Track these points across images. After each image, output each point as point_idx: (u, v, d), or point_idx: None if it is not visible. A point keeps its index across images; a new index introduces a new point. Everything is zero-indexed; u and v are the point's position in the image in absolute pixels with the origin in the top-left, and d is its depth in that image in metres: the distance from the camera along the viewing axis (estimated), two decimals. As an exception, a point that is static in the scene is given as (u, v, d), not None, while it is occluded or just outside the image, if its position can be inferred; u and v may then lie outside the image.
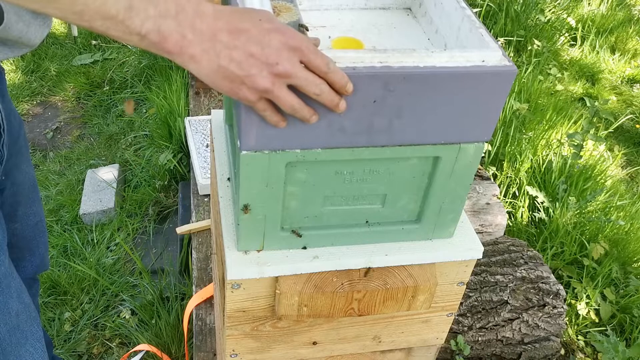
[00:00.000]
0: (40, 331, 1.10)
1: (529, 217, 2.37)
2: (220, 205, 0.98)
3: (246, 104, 0.71)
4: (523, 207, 2.36)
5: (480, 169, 2.25)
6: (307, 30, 0.78)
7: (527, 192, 2.37)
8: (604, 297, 2.09)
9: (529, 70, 3.30)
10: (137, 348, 1.80)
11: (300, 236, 0.89)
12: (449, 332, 1.13)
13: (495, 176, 2.51)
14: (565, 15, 4.00)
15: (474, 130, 0.81)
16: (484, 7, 3.55)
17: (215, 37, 0.66)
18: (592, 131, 2.48)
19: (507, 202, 2.40)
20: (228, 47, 0.66)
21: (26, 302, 1.06)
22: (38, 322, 1.10)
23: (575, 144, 2.46)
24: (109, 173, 2.60)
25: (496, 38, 3.42)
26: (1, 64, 1.02)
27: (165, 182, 2.53)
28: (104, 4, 0.60)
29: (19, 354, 1.05)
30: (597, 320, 2.03)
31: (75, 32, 3.58)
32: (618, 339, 1.84)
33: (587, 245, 2.17)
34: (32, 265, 1.30)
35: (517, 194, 2.43)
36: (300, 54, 0.67)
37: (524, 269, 1.78)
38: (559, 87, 3.41)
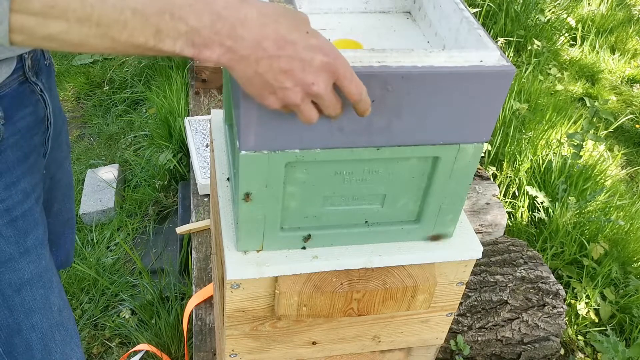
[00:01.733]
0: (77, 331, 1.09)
1: (528, 217, 2.37)
2: (220, 205, 0.98)
3: (265, 106, 0.70)
4: (523, 207, 2.36)
5: (480, 169, 2.25)
6: None
7: (527, 192, 2.37)
8: (603, 297, 2.09)
9: (528, 70, 3.30)
10: (136, 348, 1.80)
11: (307, 240, 0.89)
12: (448, 332, 1.13)
13: (495, 176, 2.51)
14: (565, 15, 4.00)
15: (473, 130, 0.81)
16: (484, 7, 3.55)
17: (260, 45, 0.63)
18: (592, 131, 2.48)
19: (506, 202, 2.40)
20: (270, 57, 0.64)
21: (66, 300, 1.04)
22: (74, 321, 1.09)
23: (575, 144, 2.46)
24: (108, 173, 2.61)
25: (496, 38, 3.42)
26: (51, 58, 1.01)
27: (165, 182, 2.53)
28: (131, 36, 0.60)
29: (64, 352, 1.03)
30: (596, 320, 2.03)
31: None
32: (618, 338, 1.85)
33: (587, 245, 2.17)
34: (57, 259, 1.28)
35: (517, 194, 2.43)
36: (336, 78, 0.67)
37: (524, 269, 1.78)
38: (559, 87, 3.41)
